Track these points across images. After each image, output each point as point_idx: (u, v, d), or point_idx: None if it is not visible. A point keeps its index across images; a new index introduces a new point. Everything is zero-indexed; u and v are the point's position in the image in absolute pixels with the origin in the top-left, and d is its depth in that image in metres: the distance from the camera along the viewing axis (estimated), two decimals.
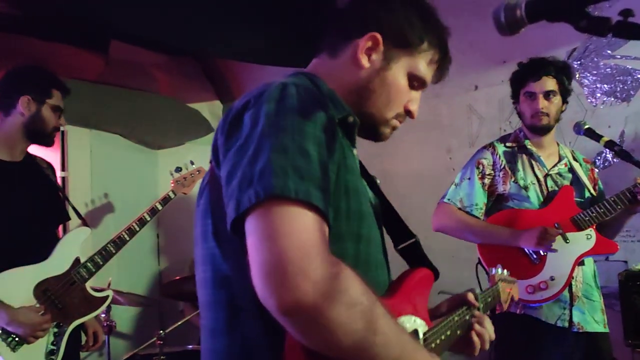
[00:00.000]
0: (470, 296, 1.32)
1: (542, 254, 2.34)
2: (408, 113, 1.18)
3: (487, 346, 1.28)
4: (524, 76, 2.47)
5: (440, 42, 1.16)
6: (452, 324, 1.22)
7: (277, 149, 0.86)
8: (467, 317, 1.29)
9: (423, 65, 1.14)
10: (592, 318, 2.37)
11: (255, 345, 0.91)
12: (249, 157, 0.87)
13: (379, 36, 1.10)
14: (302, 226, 0.83)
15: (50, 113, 2.47)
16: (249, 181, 0.85)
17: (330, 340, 0.82)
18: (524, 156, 2.50)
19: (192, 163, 3.19)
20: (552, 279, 2.31)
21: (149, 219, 2.77)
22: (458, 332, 1.24)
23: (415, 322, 1.11)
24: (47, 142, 2.55)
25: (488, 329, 1.29)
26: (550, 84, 2.42)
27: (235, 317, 0.94)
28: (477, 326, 1.28)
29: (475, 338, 1.27)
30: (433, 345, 1.13)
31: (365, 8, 1.14)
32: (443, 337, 1.17)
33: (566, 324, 2.32)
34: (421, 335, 1.11)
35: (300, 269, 0.79)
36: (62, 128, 3.73)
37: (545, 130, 2.46)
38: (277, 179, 0.83)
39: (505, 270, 1.69)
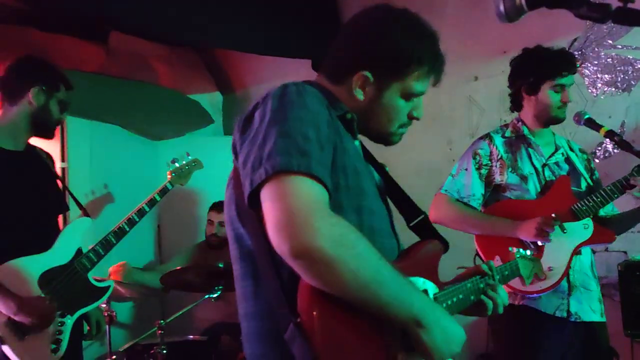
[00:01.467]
0: (485, 267, 1.42)
1: (539, 244, 2.34)
2: (414, 118, 1.32)
3: (500, 310, 1.38)
4: (558, 67, 2.39)
5: (429, 55, 1.27)
6: (464, 289, 1.33)
7: (281, 134, 1.06)
8: (481, 285, 1.38)
9: (414, 83, 1.27)
10: (590, 307, 2.37)
11: (276, 304, 1.07)
12: (259, 144, 1.07)
13: (368, 74, 1.24)
14: (304, 189, 1.02)
15: (56, 107, 2.49)
16: (259, 162, 1.05)
17: (334, 277, 1.00)
18: (522, 146, 2.49)
19: (188, 155, 3.19)
20: (550, 269, 2.31)
21: (148, 209, 2.78)
22: (471, 297, 1.34)
23: (424, 284, 1.23)
24: (49, 135, 2.57)
25: (502, 295, 1.39)
26: (574, 77, 2.44)
27: (258, 285, 1.13)
28: (490, 292, 1.38)
29: (488, 300, 1.37)
30: (444, 305, 1.25)
31: (354, 48, 1.28)
32: (455, 300, 1.29)
33: (564, 314, 2.33)
34: (431, 296, 1.23)
35: (305, 220, 0.99)
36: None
37: (559, 122, 2.46)
38: (282, 157, 1.03)
39: (528, 251, 1.72)
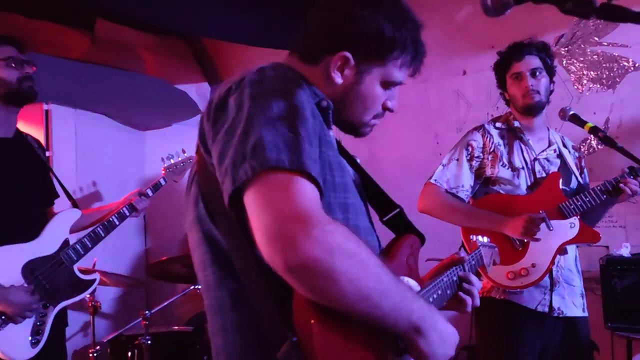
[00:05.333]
0: (455, 258, 1.40)
1: (525, 240, 2.35)
2: (388, 110, 1.22)
3: (477, 302, 1.35)
4: (507, 60, 2.47)
5: (412, 43, 1.17)
6: (441, 284, 1.28)
7: (266, 126, 0.93)
8: (455, 278, 1.35)
9: (396, 70, 1.17)
10: (572, 303, 2.40)
11: (263, 315, 0.96)
12: (239, 136, 0.94)
13: (348, 54, 1.13)
14: (298, 192, 0.91)
15: (4, 70, 2.36)
16: (242, 157, 0.92)
17: (335, 290, 0.89)
18: (513, 139, 2.49)
19: (183, 151, 3.18)
20: (533, 265, 2.33)
21: None
22: (448, 291, 1.31)
23: (408, 282, 1.19)
24: (24, 96, 2.42)
25: (475, 284, 1.35)
26: (534, 61, 2.43)
27: (240, 292, 1.00)
28: (464, 284, 1.34)
29: (465, 296, 1.33)
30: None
31: (335, 24, 1.15)
32: (435, 296, 1.24)
33: (546, 309, 2.35)
34: None
35: (300, 229, 0.87)
36: (45, 106, 3.70)
37: (538, 109, 2.45)
38: (271, 152, 0.91)
39: (485, 237, 1.72)
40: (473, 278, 1.36)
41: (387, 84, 1.19)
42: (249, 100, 0.97)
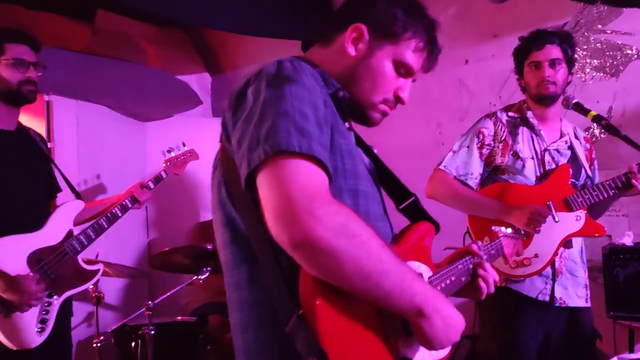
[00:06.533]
0: (474, 247, 1.41)
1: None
2: (398, 99, 1.26)
3: (492, 289, 1.38)
4: (528, 47, 2.43)
5: (425, 31, 1.24)
6: (455, 271, 1.31)
7: (280, 113, 1.00)
8: (471, 266, 1.37)
9: (408, 52, 1.23)
10: (575, 293, 2.40)
11: (274, 290, 1.02)
12: (255, 123, 1.02)
13: (363, 27, 1.21)
14: (306, 174, 0.97)
15: (9, 69, 2.37)
16: (256, 142, 0.99)
17: (336, 268, 0.95)
18: (525, 129, 2.47)
19: (183, 145, 3.18)
20: (536, 256, 2.33)
21: None
22: (462, 278, 1.33)
23: (419, 267, 1.23)
24: (22, 99, 2.43)
25: (490, 272, 1.38)
26: (554, 52, 2.39)
27: (254, 271, 1.08)
28: (480, 271, 1.37)
29: (481, 283, 1.36)
30: (439, 287, 1.24)
31: (353, 3, 1.27)
32: (448, 282, 1.27)
33: (547, 298, 2.35)
34: (426, 279, 1.22)
35: (306, 208, 0.93)
36: (46, 97, 3.69)
37: (551, 99, 2.43)
38: (282, 137, 0.97)
39: (509, 229, 1.72)
40: (488, 267, 1.38)
41: (398, 65, 1.23)
42: (265, 91, 1.04)
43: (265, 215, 0.97)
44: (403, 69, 1.24)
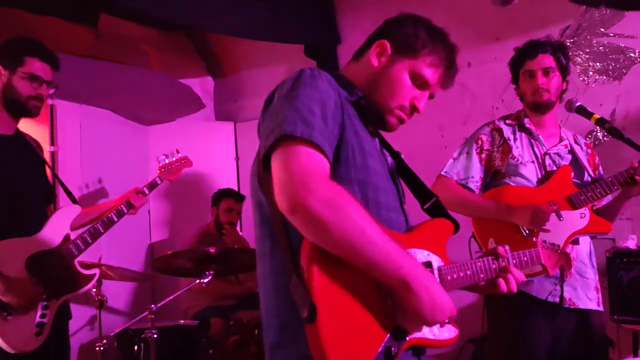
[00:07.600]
0: (500, 249, 1.46)
1: (535, 230, 2.35)
2: (414, 108, 1.42)
3: (515, 288, 1.43)
4: (522, 57, 2.50)
5: (443, 50, 1.41)
6: (473, 266, 1.39)
7: (291, 108, 1.20)
8: (494, 266, 1.42)
9: (424, 66, 1.39)
10: (585, 295, 2.38)
11: (287, 260, 1.21)
12: (273, 117, 1.23)
13: (386, 42, 1.40)
14: (305, 156, 1.16)
15: (23, 82, 2.39)
16: (271, 130, 1.21)
17: (324, 234, 1.13)
18: (523, 135, 2.51)
19: (177, 152, 3.19)
20: None
21: None
22: (481, 275, 1.39)
23: (429, 256, 1.33)
24: (26, 112, 2.45)
25: (514, 273, 1.43)
26: (547, 60, 2.44)
27: (274, 244, 1.27)
28: (504, 273, 1.42)
29: (501, 282, 1.42)
30: (449, 277, 1.33)
31: (384, 25, 1.46)
32: (461, 274, 1.36)
33: (557, 300, 2.33)
34: (435, 268, 1.31)
35: (302, 183, 1.13)
36: (50, 101, 3.70)
37: (546, 107, 2.47)
38: (288, 125, 1.18)
39: (556, 243, 1.71)
40: (514, 270, 1.44)
41: (414, 76, 1.39)
42: (286, 93, 1.25)
43: (274, 190, 1.16)
44: (419, 81, 1.40)
